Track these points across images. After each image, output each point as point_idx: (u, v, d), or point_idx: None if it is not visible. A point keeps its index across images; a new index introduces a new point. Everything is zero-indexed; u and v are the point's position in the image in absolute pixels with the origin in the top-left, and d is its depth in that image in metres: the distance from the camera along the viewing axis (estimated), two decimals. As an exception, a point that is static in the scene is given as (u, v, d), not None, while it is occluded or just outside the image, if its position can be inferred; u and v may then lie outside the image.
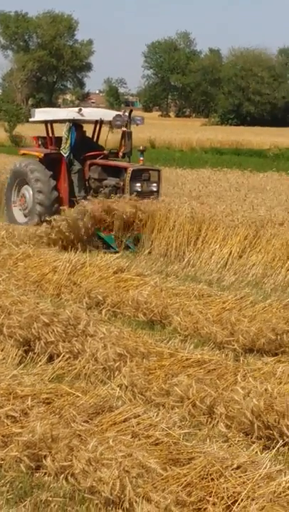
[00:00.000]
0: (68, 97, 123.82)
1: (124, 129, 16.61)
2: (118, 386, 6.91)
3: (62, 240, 13.78)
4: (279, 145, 45.26)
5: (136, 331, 8.51)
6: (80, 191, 16.73)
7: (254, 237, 13.38)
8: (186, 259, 13.71)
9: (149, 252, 14.32)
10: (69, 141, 16.53)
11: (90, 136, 17.62)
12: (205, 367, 7.26)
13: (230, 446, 5.69)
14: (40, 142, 17.80)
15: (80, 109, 17.23)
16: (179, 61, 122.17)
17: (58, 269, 11.08)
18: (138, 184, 15.85)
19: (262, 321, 8.70)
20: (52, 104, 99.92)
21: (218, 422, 6.40)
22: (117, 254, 12.54)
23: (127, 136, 16.65)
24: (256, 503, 4.50)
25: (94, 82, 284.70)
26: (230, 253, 13.41)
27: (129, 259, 12.48)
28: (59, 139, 16.90)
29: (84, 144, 16.88)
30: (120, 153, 16.95)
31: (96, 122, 17.46)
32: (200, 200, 16.23)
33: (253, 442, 6.01)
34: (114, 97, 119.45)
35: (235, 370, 7.15)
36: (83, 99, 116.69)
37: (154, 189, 16.15)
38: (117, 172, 16.39)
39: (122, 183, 15.94)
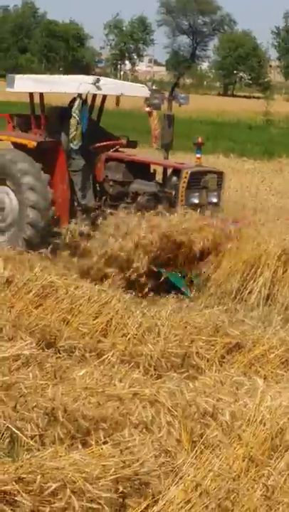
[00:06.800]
0: None
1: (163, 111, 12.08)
2: None
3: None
4: None
5: None
6: (87, 198, 11.59)
7: None
8: None
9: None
10: (80, 127, 11.24)
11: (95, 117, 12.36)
12: None
13: None
14: (15, 123, 11.86)
15: (98, 80, 11.61)
16: None
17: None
18: (196, 193, 11.00)
19: None
20: None
21: None
22: None
23: (167, 120, 11.82)
24: None
25: None
26: None
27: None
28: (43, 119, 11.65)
29: (91, 130, 11.60)
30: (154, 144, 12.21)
31: (105, 98, 12.27)
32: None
33: None
34: None
35: None
36: None
37: (215, 200, 11.25)
38: (146, 172, 11.58)
39: (172, 191, 11.04)
